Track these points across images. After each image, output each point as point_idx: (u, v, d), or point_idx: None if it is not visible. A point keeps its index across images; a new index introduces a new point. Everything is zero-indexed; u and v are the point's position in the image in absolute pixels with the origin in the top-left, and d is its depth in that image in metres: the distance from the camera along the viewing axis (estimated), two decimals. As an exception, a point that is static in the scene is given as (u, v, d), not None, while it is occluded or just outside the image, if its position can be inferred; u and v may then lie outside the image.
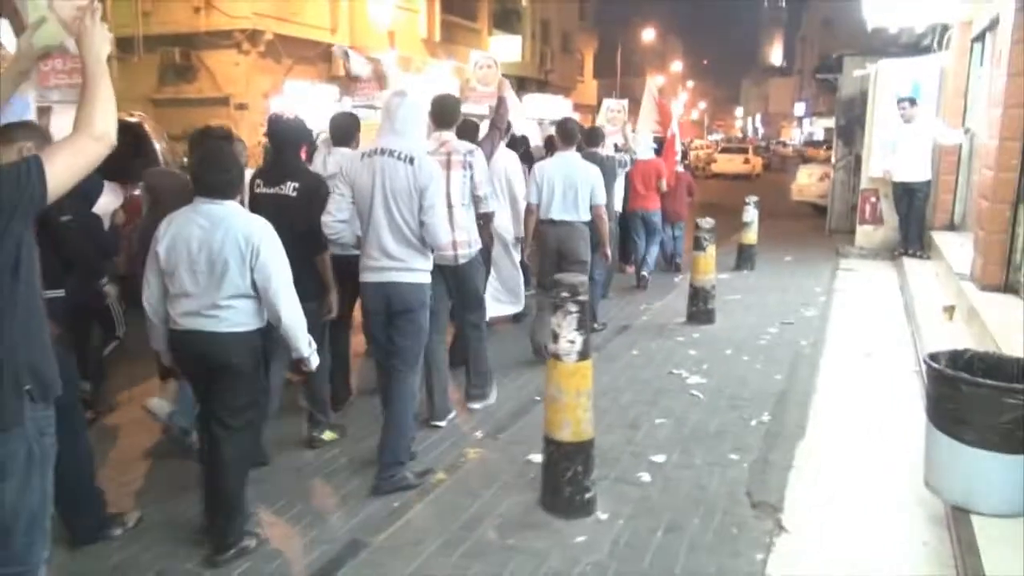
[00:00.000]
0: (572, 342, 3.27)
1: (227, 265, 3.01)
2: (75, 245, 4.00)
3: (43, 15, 2.20)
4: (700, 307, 6.82)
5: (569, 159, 5.72)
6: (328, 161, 4.80)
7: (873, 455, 4.01)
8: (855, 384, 5.19)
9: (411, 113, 3.76)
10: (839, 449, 4.12)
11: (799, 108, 65.26)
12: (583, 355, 3.30)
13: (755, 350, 6.05)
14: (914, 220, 9.42)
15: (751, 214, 9.54)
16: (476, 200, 4.54)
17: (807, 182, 16.62)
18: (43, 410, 2.14)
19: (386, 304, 3.76)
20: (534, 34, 30.75)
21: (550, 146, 7.39)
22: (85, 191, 4.06)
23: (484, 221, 4.78)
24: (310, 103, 18.90)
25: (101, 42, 2.11)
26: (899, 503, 3.47)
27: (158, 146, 8.05)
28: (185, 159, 13.06)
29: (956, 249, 8.25)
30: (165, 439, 4.16)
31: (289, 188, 4.03)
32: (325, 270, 4.09)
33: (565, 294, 3.24)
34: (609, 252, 6.16)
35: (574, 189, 5.58)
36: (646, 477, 3.82)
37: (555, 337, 3.30)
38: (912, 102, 9.20)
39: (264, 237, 3.07)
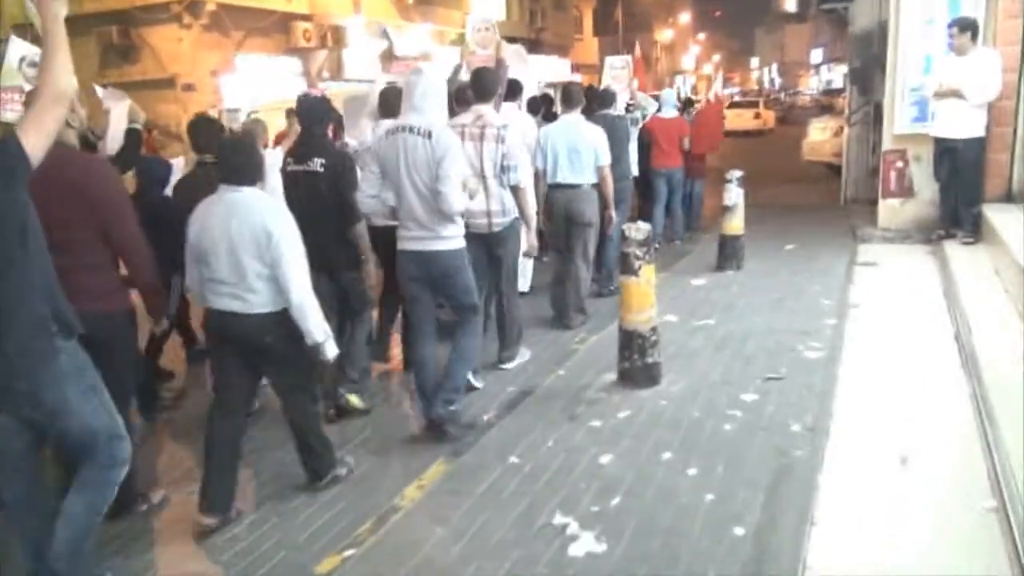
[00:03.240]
0: None
1: (244, 250, 3.11)
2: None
3: None
4: (634, 362, 4.36)
5: (572, 122, 5.75)
6: (378, 132, 4.80)
7: None
8: (884, 560, 2.75)
9: (428, 89, 3.85)
10: None
11: (816, 55, 61.70)
12: None
13: (712, 449, 3.61)
14: (961, 192, 6.86)
15: (734, 195, 6.99)
16: (504, 171, 4.47)
17: (820, 138, 14.11)
18: (74, 352, 2.52)
19: (426, 270, 3.96)
20: (522, -11, 28.28)
21: (534, 109, 7.41)
22: (159, 177, 4.82)
23: (514, 193, 4.71)
24: (269, 78, 16.69)
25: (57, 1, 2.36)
26: None
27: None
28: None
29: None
30: None
31: (316, 164, 4.21)
32: (361, 241, 4.29)
33: None
34: (614, 214, 5.93)
35: (577, 152, 5.62)
36: None
37: None
38: (966, 25, 6.61)
39: (277, 222, 3.15)
